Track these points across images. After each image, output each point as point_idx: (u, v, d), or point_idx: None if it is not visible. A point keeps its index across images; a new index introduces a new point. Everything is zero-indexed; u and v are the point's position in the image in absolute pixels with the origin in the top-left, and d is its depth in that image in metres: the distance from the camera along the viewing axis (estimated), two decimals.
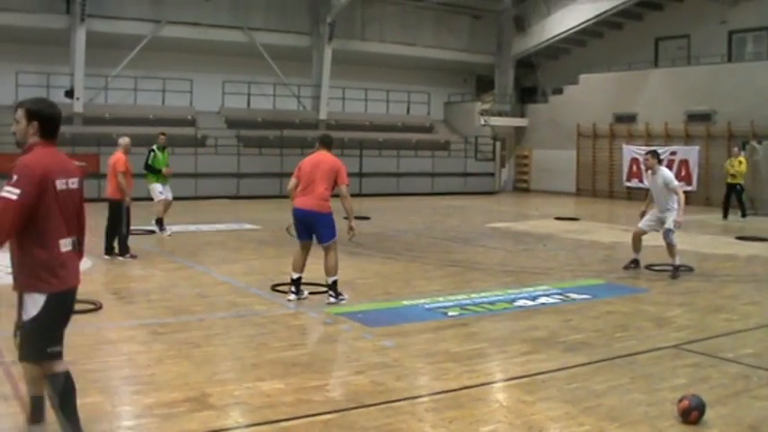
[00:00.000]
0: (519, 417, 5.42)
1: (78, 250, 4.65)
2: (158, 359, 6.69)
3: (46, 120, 4.52)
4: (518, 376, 6.44)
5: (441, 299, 9.62)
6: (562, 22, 33.16)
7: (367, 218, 19.13)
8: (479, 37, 35.88)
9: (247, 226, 17.85)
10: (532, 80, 36.81)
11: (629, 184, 29.06)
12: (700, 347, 7.39)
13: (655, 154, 11.99)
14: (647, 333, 8.07)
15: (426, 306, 9.22)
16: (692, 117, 27.30)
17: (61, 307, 4.47)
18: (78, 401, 5.45)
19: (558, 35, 33.47)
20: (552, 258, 13.76)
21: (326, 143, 9.57)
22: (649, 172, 11.90)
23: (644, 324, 8.49)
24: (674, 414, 5.37)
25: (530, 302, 9.58)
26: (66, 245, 4.45)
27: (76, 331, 7.57)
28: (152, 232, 15.46)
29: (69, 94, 26.53)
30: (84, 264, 11.69)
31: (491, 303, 9.46)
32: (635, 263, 12.05)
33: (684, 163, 27.06)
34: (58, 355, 4.49)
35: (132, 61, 27.77)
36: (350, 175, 9.58)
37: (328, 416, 5.36)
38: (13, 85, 25.81)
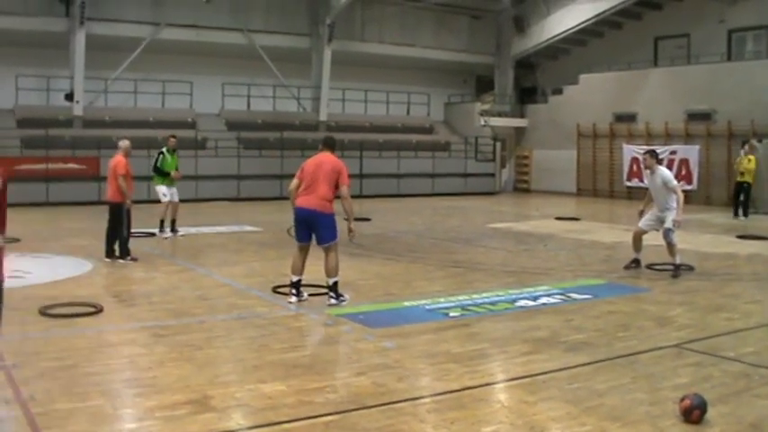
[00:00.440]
0: (521, 417, 5.42)
1: None
2: (160, 362, 6.69)
3: None
4: (519, 376, 6.44)
5: (442, 299, 9.62)
6: (561, 22, 33.16)
7: (368, 219, 19.13)
8: (479, 37, 35.89)
9: (248, 228, 17.85)
10: (532, 80, 36.80)
11: (629, 183, 29.04)
12: (701, 346, 7.39)
13: (653, 153, 12.00)
14: (649, 332, 8.07)
15: (427, 307, 9.22)
16: (692, 116, 27.29)
17: None
18: (81, 404, 5.48)
19: (558, 35, 33.47)
20: (553, 258, 13.76)
21: (330, 145, 9.58)
22: (648, 171, 11.91)
23: (645, 323, 8.49)
24: (675, 413, 5.36)
25: (531, 303, 9.57)
26: None
27: (78, 334, 7.61)
28: (152, 235, 15.47)
29: (69, 97, 26.54)
30: (85, 267, 11.77)
31: (492, 304, 9.46)
32: (636, 262, 12.05)
33: (685, 162, 27.04)
34: None
35: (132, 64, 27.78)
36: (350, 176, 9.57)
37: (330, 417, 5.36)
38: (13, 89, 25.85)
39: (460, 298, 9.74)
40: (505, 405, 5.78)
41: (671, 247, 11.57)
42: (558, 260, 13.55)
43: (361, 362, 6.83)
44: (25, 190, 22.84)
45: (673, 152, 27.08)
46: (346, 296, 9.38)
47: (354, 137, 29.46)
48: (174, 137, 16.20)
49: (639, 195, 13.45)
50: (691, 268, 12.09)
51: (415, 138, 32.72)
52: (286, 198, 10.26)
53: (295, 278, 9.32)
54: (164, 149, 15.85)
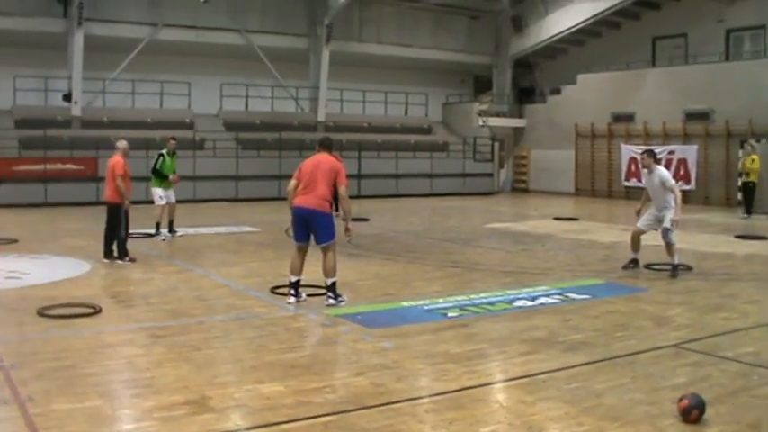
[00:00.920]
0: (519, 417, 5.42)
1: None
2: (158, 362, 6.68)
3: None
4: (518, 377, 6.44)
5: (440, 300, 9.62)
6: (559, 22, 33.17)
7: (366, 219, 19.13)
8: (477, 38, 35.89)
9: (246, 228, 17.85)
10: (530, 80, 36.80)
11: (627, 183, 29.05)
12: (699, 346, 7.39)
13: (651, 153, 12.01)
14: (647, 332, 8.07)
15: (426, 307, 9.22)
16: (690, 116, 27.31)
17: None
18: (79, 405, 5.47)
19: (556, 35, 33.47)
20: (551, 258, 13.76)
21: (327, 146, 9.60)
22: (646, 171, 11.93)
23: (643, 323, 8.49)
24: (674, 413, 5.36)
25: (529, 303, 9.57)
26: None
27: (76, 335, 7.60)
28: (151, 235, 15.46)
29: (67, 97, 26.53)
30: (83, 267, 11.76)
31: (490, 304, 9.46)
32: (634, 262, 12.05)
33: (683, 162, 27.06)
34: None
35: (130, 64, 27.77)
36: (348, 176, 9.59)
37: (328, 418, 5.36)
38: (11, 90, 25.83)
39: (459, 298, 9.74)
40: (504, 405, 5.78)
41: (669, 246, 11.57)
42: (557, 260, 13.56)
43: (359, 362, 6.83)
44: (23, 191, 22.87)
45: (671, 152, 27.10)
46: (345, 296, 9.37)
47: (352, 137, 29.47)
48: (174, 138, 16.16)
49: (638, 195, 13.46)
50: (689, 268, 12.09)
51: (413, 138, 32.73)
52: (284, 198, 10.26)
53: (294, 278, 9.32)
54: (163, 151, 15.80)
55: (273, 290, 9.99)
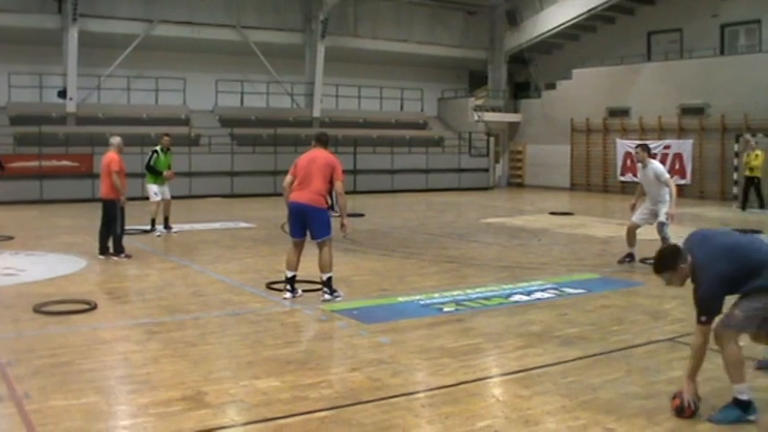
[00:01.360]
0: (515, 411, 5.43)
1: None
2: (154, 358, 6.68)
3: None
4: (514, 371, 6.45)
5: (436, 295, 9.63)
6: (554, 17, 33.16)
7: (361, 215, 19.13)
8: (472, 33, 35.89)
9: (242, 224, 17.83)
10: (525, 75, 36.81)
11: (623, 178, 29.08)
12: None
13: (645, 147, 12.03)
14: (643, 326, 8.08)
15: (421, 302, 9.23)
16: (686, 110, 27.34)
17: None
18: (75, 401, 5.47)
19: (551, 30, 33.46)
20: (547, 253, 13.77)
21: (322, 141, 9.59)
22: (640, 165, 11.95)
23: (639, 317, 8.51)
24: (669, 408, 5.38)
25: (525, 297, 9.59)
26: None
27: (72, 331, 7.60)
28: (146, 232, 15.46)
29: (62, 94, 26.49)
30: (79, 264, 11.75)
31: (486, 299, 9.47)
32: (629, 257, 12.06)
33: (678, 156, 27.09)
34: None
35: (125, 61, 27.73)
36: (344, 172, 9.59)
37: (324, 413, 5.37)
38: (6, 86, 25.78)
39: (454, 293, 9.75)
40: (500, 399, 5.79)
41: (665, 241, 11.56)
42: (552, 255, 13.57)
43: (355, 357, 6.84)
44: (18, 187, 22.82)
45: (666, 146, 27.13)
46: (340, 292, 9.38)
47: (348, 133, 29.47)
48: (167, 135, 16.14)
49: (633, 190, 13.47)
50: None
51: (408, 133, 32.72)
52: (280, 194, 10.25)
53: (290, 273, 9.32)
54: (157, 148, 15.79)
55: (269, 285, 10.00)
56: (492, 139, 34.21)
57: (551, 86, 33.49)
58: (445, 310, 8.83)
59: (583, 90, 31.05)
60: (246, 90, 30.64)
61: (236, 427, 5.19)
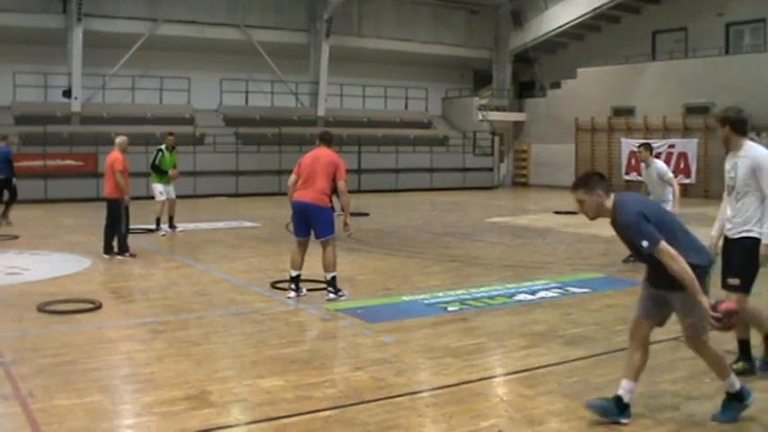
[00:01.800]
0: (519, 411, 5.42)
1: None
2: (158, 357, 6.69)
3: None
4: (518, 370, 6.44)
5: (440, 294, 9.62)
6: (559, 17, 33.15)
7: (366, 214, 19.13)
8: (476, 32, 35.88)
9: (246, 223, 17.85)
10: (530, 74, 36.81)
11: (627, 177, 29.02)
12: None
13: (647, 146, 12.01)
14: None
15: (426, 301, 9.22)
16: (691, 110, 27.31)
17: None
18: (79, 400, 5.48)
19: (556, 29, 33.47)
20: (551, 252, 13.76)
21: (326, 140, 9.61)
22: (644, 164, 11.94)
23: None
24: (674, 405, 5.38)
25: (529, 297, 9.57)
26: None
27: (76, 330, 7.60)
28: (151, 231, 15.47)
29: (67, 93, 26.54)
30: (83, 263, 11.77)
31: (490, 298, 9.46)
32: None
33: (683, 156, 27.06)
34: None
35: (129, 60, 27.77)
36: (349, 171, 9.60)
37: (328, 412, 5.36)
38: (11, 86, 25.82)
39: (459, 292, 9.74)
40: (504, 399, 5.78)
41: None
42: (557, 254, 13.56)
43: (359, 356, 6.84)
44: (23, 186, 22.73)
45: (671, 146, 27.10)
46: (345, 291, 9.38)
47: (352, 132, 29.47)
48: (172, 134, 16.14)
49: (638, 189, 13.43)
50: None
51: (413, 132, 32.72)
52: (284, 194, 10.26)
53: (294, 273, 9.33)
54: (162, 147, 15.80)
55: (273, 285, 10.00)
56: (496, 139, 34.20)
57: (556, 86, 33.47)
58: (449, 309, 8.82)
59: (588, 89, 31.01)
60: (251, 89, 30.66)
61: (239, 426, 5.18)
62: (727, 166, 6.30)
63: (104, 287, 10.25)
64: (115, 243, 12.42)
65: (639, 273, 6.55)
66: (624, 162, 29.34)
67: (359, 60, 32.97)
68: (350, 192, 9.47)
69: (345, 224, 9.39)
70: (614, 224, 5.17)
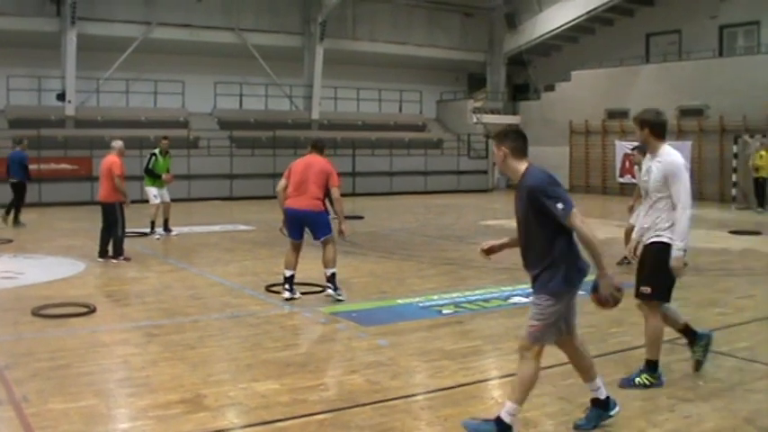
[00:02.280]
0: None
1: None
2: (153, 361, 6.68)
3: None
4: (513, 373, 6.39)
5: (435, 297, 9.63)
6: (553, 19, 33.21)
7: (360, 217, 19.12)
8: (471, 35, 35.92)
9: (241, 227, 17.84)
10: (524, 77, 36.83)
11: (622, 179, 29.07)
12: None
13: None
14: (642, 328, 8.01)
15: (421, 304, 9.23)
16: (685, 112, 27.34)
17: None
18: (74, 404, 5.46)
19: (550, 32, 33.52)
20: None
21: (319, 148, 9.68)
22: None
23: (638, 319, 8.39)
24: (669, 408, 5.38)
25: (524, 299, 9.55)
26: None
27: (71, 334, 7.59)
28: (145, 234, 15.45)
29: (61, 97, 26.51)
30: (78, 267, 11.75)
31: (485, 301, 9.47)
32: (628, 258, 12.04)
33: None
34: None
35: (124, 63, 27.74)
36: (343, 174, 9.65)
37: (323, 415, 5.36)
38: (5, 89, 25.79)
39: (454, 295, 9.75)
40: (499, 401, 5.77)
41: None
42: None
43: (354, 360, 6.84)
44: None
45: None
46: (342, 291, 9.42)
47: (347, 135, 29.49)
48: (166, 138, 16.14)
49: (632, 191, 13.48)
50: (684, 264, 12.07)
51: (407, 135, 32.74)
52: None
53: (288, 273, 9.36)
54: (156, 151, 15.80)
55: (268, 288, 10.00)
56: (491, 142, 34.18)
57: (550, 88, 33.50)
58: (444, 312, 8.83)
59: (582, 92, 31.05)
60: (245, 92, 30.65)
61: (235, 429, 5.18)
62: (644, 168, 6.29)
63: (99, 291, 10.23)
64: (110, 247, 12.40)
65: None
66: (618, 165, 29.37)
67: (353, 63, 32.98)
68: (344, 195, 9.52)
69: (341, 231, 9.43)
70: (520, 189, 5.12)
